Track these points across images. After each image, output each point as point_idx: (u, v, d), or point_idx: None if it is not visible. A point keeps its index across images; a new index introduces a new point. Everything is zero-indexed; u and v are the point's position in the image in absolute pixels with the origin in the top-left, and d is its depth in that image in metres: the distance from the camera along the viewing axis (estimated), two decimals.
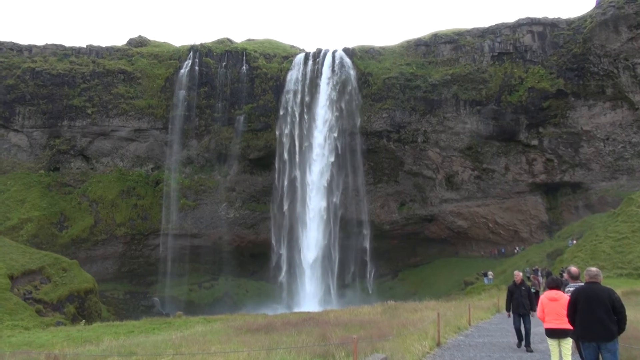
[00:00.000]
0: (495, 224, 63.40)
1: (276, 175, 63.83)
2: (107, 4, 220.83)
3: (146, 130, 65.49)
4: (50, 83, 63.80)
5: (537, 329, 14.54)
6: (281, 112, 64.02)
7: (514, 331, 13.78)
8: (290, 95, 64.38)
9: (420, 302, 31.13)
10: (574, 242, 42.67)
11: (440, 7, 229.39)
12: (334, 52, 66.21)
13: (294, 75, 65.48)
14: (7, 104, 62.86)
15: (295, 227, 62.11)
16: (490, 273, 45.69)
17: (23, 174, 62.50)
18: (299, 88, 64.51)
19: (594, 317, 7.54)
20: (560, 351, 9.54)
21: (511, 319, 13.90)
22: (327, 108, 62.65)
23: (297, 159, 62.99)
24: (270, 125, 64.60)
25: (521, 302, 13.38)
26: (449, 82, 60.93)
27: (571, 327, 8.13)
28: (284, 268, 61.89)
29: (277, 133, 63.67)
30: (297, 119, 63.68)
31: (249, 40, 75.63)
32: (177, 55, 68.57)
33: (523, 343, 13.28)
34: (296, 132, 63.37)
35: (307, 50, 70.32)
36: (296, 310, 44.68)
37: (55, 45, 67.79)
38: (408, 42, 67.30)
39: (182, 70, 66.29)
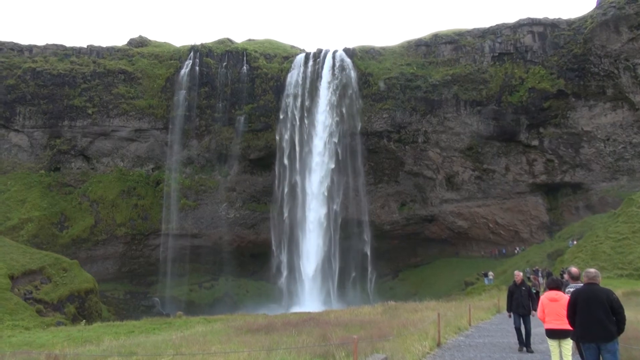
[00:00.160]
0: (495, 225, 63.39)
1: (276, 181, 63.64)
2: (108, 4, 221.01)
3: (147, 131, 65.52)
4: (50, 83, 63.85)
5: (538, 329, 14.53)
6: (281, 116, 63.86)
7: (514, 331, 13.77)
8: (290, 99, 64.19)
9: (421, 302, 31.15)
10: (575, 242, 42.65)
11: (441, 8, 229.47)
12: (334, 53, 66.22)
13: (294, 78, 65.22)
14: (7, 104, 62.91)
15: (295, 233, 61.91)
16: (490, 273, 45.69)
17: (23, 174, 62.54)
18: (299, 92, 64.32)
19: (593, 318, 7.58)
20: (560, 352, 9.54)
21: (512, 319, 13.89)
22: (327, 113, 62.41)
23: (297, 165, 62.73)
24: (271, 126, 64.60)
25: (521, 303, 13.37)
26: (450, 82, 60.93)
27: (571, 328, 8.16)
28: (285, 273, 61.80)
29: (277, 137, 63.55)
30: (298, 123, 63.46)
31: (249, 40, 75.68)
32: (177, 56, 68.62)
33: (525, 349, 13.19)
34: (296, 137, 63.12)
35: (308, 50, 70.40)
36: (296, 310, 44.63)
37: (56, 45, 67.84)
38: (408, 42, 67.31)
39: (183, 71, 66.33)
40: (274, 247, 63.48)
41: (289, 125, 63.54)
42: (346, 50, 66.21)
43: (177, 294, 61.68)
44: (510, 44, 60.53)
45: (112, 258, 62.97)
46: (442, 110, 60.98)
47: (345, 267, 61.81)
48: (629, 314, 15.03)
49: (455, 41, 63.30)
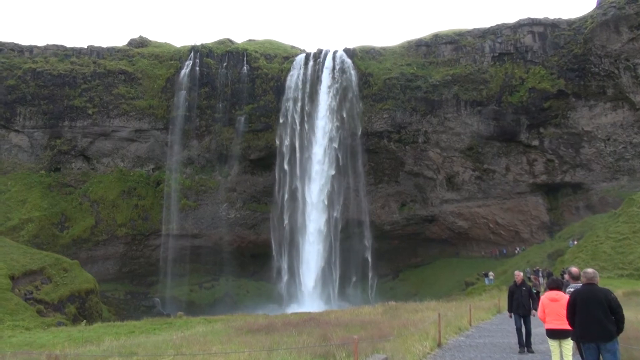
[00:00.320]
0: (496, 225, 63.38)
1: (276, 187, 63.48)
2: (108, 4, 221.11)
3: (147, 131, 65.55)
4: (51, 83, 63.88)
5: (538, 329, 14.53)
6: (281, 120, 63.59)
7: (515, 332, 13.77)
8: (290, 103, 63.97)
9: (421, 302, 31.18)
10: (575, 242, 42.65)
11: (441, 8, 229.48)
12: (334, 53, 66.21)
13: (293, 80, 64.74)
14: (8, 105, 62.94)
15: (295, 239, 61.56)
16: (491, 273, 45.69)
17: (24, 174, 62.56)
18: (299, 95, 64.03)
19: (593, 318, 7.64)
20: (561, 352, 9.55)
21: (512, 320, 13.88)
22: (327, 119, 62.13)
23: (297, 171, 62.49)
24: (271, 126, 64.59)
25: (522, 303, 13.34)
26: (450, 82, 60.93)
27: (571, 328, 8.19)
28: (285, 278, 61.67)
29: (277, 142, 63.43)
30: (298, 127, 63.12)
31: (249, 40, 75.71)
32: (177, 56, 68.64)
33: (526, 349, 13.15)
34: (297, 142, 62.78)
35: (308, 50, 70.40)
36: (297, 310, 44.63)
37: (56, 45, 67.86)
38: (409, 42, 67.33)
39: (183, 71, 66.36)
40: (274, 253, 63.37)
41: (289, 130, 63.28)
42: (346, 51, 66.21)
43: (178, 294, 61.69)
44: (511, 44, 60.53)
45: (112, 258, 62.99)
46: (442, 110, 60.97)
47: (346, 268, 61.76)
48: (630, 314, 15.04)
49: (456, 41, 63.31)
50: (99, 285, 48.32)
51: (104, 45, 69.88)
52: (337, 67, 64.06)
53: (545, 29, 59.49)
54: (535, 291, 20.03)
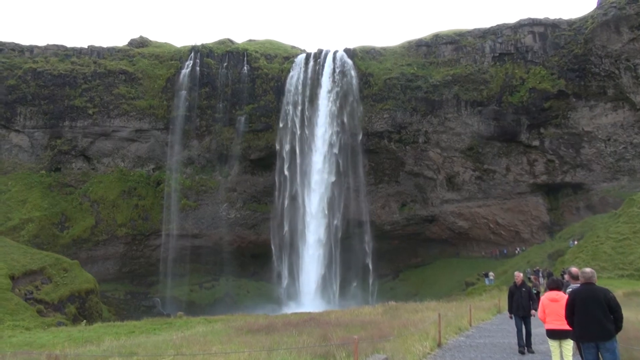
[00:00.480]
0: (496, 225, 63.36)
1: (276, 193, 63.32)
2: (109, 4, 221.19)
3: (147, 131, 65.56)
4: (51, 83, 63.89)
5: (539, 330, 14.52)
6: (281, 124, 63.35)
7: (515, 332, 13.76)
8: (290, 107, 63.78)
9: (421, 302, 31.17)
10: (575, 242, 42.64)
11: (441, 8, 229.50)
12: (334, 53, 66.19)
13: (293, 83, 64.36)
14: (8, 105, 62.95)
15: (295, 246, 61.30)
16: (491, 274, 45.67)
17: (24, 174, 62.57)
18: (299, 99, 63.78)
19: (592, 318, 7.69)
20: (561, 352, 9.54)
21: (512, 320, 13.86)
22: (327, 125, 61.81)
23: (297, 177, 62.26)
24: (271, 126, 64.58)
25: (521, 304, 13.30)
26: (450, 82, 60.92)
27: (571, 328, 8.21)
28: (285, 283, 61.54)
29: (278, 147, 63.28)
30: (298, 132, 62.87)
31: (250, 40, 75.70)
32: (178, 56, 68.65)
33: (526, 350, 13.13)
34: (297, 148, 62.43)
35: (309, 50, 70.38)
36: (297, 310, 44.66)
37: (57, 45, 67.87)
38: (409, 42, 67.32)
39: (183, 71, 66.36)
40: (274, 258, 63.23)
41: (289, 134, 62.99)
42: (347, 51, 66.18)
43: (178, 294, 61.70)
44: (511, 44, 60.52)
45: (112, 258, 63.00)
46: (442, 110, 60.96)
47: (346, 269, 61.74)
48: (630, 314, 15.03)
49: (456, 41, 63.30)
50: (99, 285, 48.34)
51: (105, 45, 69.94)
52: (338, 71, 63.66)
53: (545, 29, 59.48)
54: (535, 291, 20.05)
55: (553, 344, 9.58)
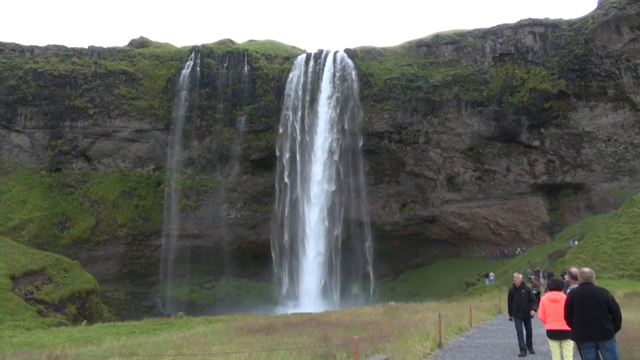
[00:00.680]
0: (496, 225, 63.34)
1: (276, 202, 63.10)
2: (109, 5, 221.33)
3: (148, 131, 65.58)
4: (52, 84, 63.92)
5: (539, 330, 14.52)
6: (281, 130, 63.20)
7: (515, 332, 13.73)
8: (290, 112, 63.63)
9: (422, 303, 31.15)
10: (576, 243, 42.63)
11: (442, 8, 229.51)
12: (335, 53, 66.17)
13: (293, 87, 63.98)
14: (9, 105, 62.98)
15: (295, 252, 61.08)
16: (491, 274, 45.65)
17: (25, 174, 62.60)
18: (299, 105, 63.51)
19: (591, 318, 7.73)
20: (561, 352, 9.54)
21: (513, 322, 13.82)
22: (327, 133, 61.56)
23: (298, 185, 62.10)
24: (272, 126, 64.58)
25: (521, 306, 13.25)
26: (451, 83, 60.91)
27: (570, 328, 8.24)
28: (285, 288, 61.40)
29: (278, 153, 63.17)
30: (299, 137, 62.70)
31: (250, 41, 75.71)
32: (178, 56, 68.67)
33: (527, 351, 13.06)
34: (298, 156, 62.16)
35: (309, 51, 70.39)
36: (298, 311, 44.64)
37: (57, 46, 67.90)
38: (409, 42, 67.32)
39: (184, 71, 66.38)
40: (275, 265, 63.10)
41: (289, 141, 62.65)
42: (347, 51, 66.17)
43: (178, 294, 61.71)
44: (511, 44, 60.51)
45: (113, 258, 63.02)
46: (443, 110, 60.95)
47: (346, 269, 61.71)
48: (631, 315, 15.03)
49: (456, 42, 63.29)
50: (100, 286, 48.34)
51: (105, 45, 69.84)
52: (338, 75, 63.14)
53: (546, 29, 59.47)
54: (536, 292, 20.06)
55: (553, 345, 9.58)
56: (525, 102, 57.88)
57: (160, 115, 65.36)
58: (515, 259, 53.94)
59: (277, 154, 63.09)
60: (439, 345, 13.80)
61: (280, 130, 63.17)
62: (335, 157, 61.31)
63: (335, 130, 61.63)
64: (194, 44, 69.93)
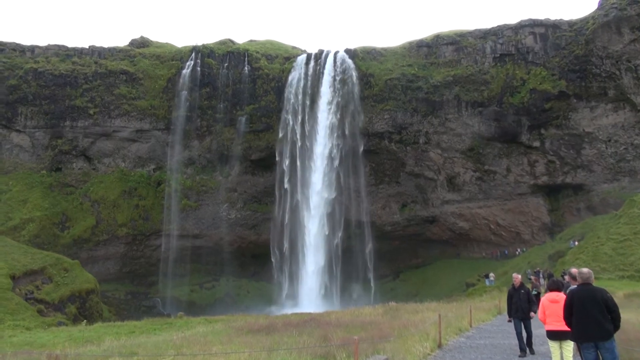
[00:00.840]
0: (496, 226, 63.32)
1: (276, 208, 62.99)
2: (110, 4, 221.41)
3: (148, 131, 65.59)
4: (52, 83, 63.94)
5: (539, 331, 14.51)
6: (280, 134, 63.10)
7: (515, 333, 13.71)
8: (290, 117, 63.47)
9: (422, 303, 31.17)
10: (576, 243, 42.62)
11: (442, 9, 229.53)
12: (335, 54, 66.18)
13: (292, 91, 63.71)
14: (9, 105, 63.01)
15: (296, 258, 61.02)
16: (491, 274, 45.64)
17: (25, 174, 62.62)
18: (299, 109, 63.33)
19: (590, 318, 7.76)
20: (561, 353, 9.53)
21: (512, 323, 13.79)
22: (327, 139, 61.39)
23: (298, 190, 62.06)
24: (272, 127, 64.59)
25: (520, 307, 13.18)
26: (451, 83, 60.91)
27: (569, 329, 8.26)
28: (285, 294, 61.43)
29: (278, 158, 62.96)
30: (299, 143, 62.54)
31: (250, 41, 75.72)
32: (179, 56, 68.68)
33: (527, 351, 13.01)
34: (298, 161, 61.98)
35: (309, 51, 70.39)
36: (298, 311, 44.65)
37: (58, 45, 67.92)
38: (410, 43, 67.32)
39: (184, 71, 66.39)
40: (275, 269, 62.92)
41: (289, 145, 62.48)
42: (347, 51, 66.17)
43: (178, 294, 61.71)
44: (512, 45, 60.50)
45: (113, 258, 63.03)
46: (443, 111, 60.94)
47: (347, 270, 61.67)
48: (631, 315, 15.03)
49: (457, 42, 63.29)
50: (100, 285, 48.35)
51: (106, 45, 69.90)
52: (338, 79, 62.95)
53: (546, 29, 59.47)
54: (536, 292, 20.04)
55: (553, 345, 9.58)
56: (526, 102, 57.88)
57: (160, 115, 65.38)
58: (516, 260, 53.93)
59: (277, 158, 62.99)
60: (439, 346, 13.80)
61: (280, 135, 63.06)
62: (336, 163, 61.15)
63: (335, 135, 61.45)
64: (194, 44, 69.96)
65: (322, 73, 64.38)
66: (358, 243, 63.11)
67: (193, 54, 67.76)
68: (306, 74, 65.19)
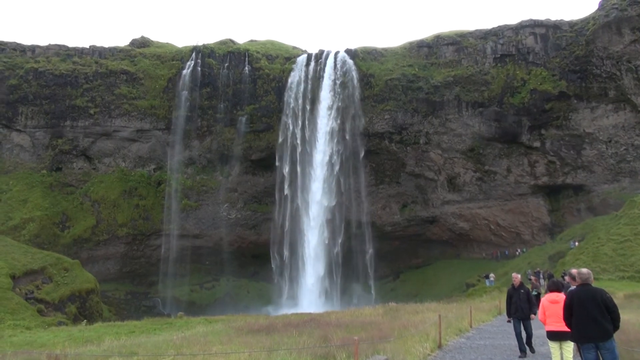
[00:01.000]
0: (497, 226, 63.30)
1: (276, 212, 62.79)
2: (110, 4, 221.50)
3: (148, 131, 65.60)
4: (53, 83, 63.97)
5: (539, 331, 14.50)
6: (280, 138, 62.99)
7: (515, 335, 13.69)
8: (290, 121, 63.40)
9: (422, 303, 31.18)
10: (576, 244, 42.61)
11: (443, 9, 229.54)
12: (336, 54, 66.14)
13: (292, 95, 63.56)
14: (10, 104, 63.04)
15: (296, 262, 60.98)
16: (491, 275, 45.63)
17: (25, 173, 62.65)
18: (299, 113, 63.22)
19: (590, 318, 7.77)
20: (561, 354, 9.53)
21: (512, 324, 13.76)
22: (326, 146, 61.30)
23: (298, 194, 61.89)
24: (272, 127, 64.59)
25: (520, 307, 13.12)
26: (451, 83, 60.90)
27: (569, 329, 8.27)
28: (285, 292, 61.42)
29: (278, 163, 62.83)
30: (299, 149, 62.47)
31: (251, 41, 75.71)
32: (179, 56, 68.68)
33: (527, 350, 12.96)
34: (298, 167, 61.81)
35: (310, 51, 70.36)
36: (298, 311, 44.63)
37: (58, 45, 67.94)
38: (410, 43, 67.32)
39: (185, 71, 66.39)
40: (275, 274, 62.83)
41: (289, 150, 62.33)
42: (348, 52, 66.15)
43: (178, 294, 61.73)
44: (512, 45, 60.49)
45: (113, 258, 63.04)
46: (443, 111, 60.93)
47: (347, 270, 61.66)
48: (631, 316, 15.02)
49: (457, 42, 63.28)
50: (100, 285, 48.33)
51: (106, 45, 70.00)
52: (339, 82, 62.77)
53: (547, 30, 59.46)
54: (536, 293, 20.02)
55: (553, 346, 9.58)
56: (526, 103, 57.86)
57: (160, 115, 65.39)
58: (516, 260, 53.93)
59: (277, 163, 62.88)
60: (439, 346, 13.79)
61: (280, 139, 62.91)
62: (336, 169, 61.02)
63: (335, 141, 61.31)
64: (195, 44, 69.97)
65: (322, 77, 64.15)
66: (358, 244, 63.08)
67: (193, 54, 67.76)
68: (306, 76, 64.99)
